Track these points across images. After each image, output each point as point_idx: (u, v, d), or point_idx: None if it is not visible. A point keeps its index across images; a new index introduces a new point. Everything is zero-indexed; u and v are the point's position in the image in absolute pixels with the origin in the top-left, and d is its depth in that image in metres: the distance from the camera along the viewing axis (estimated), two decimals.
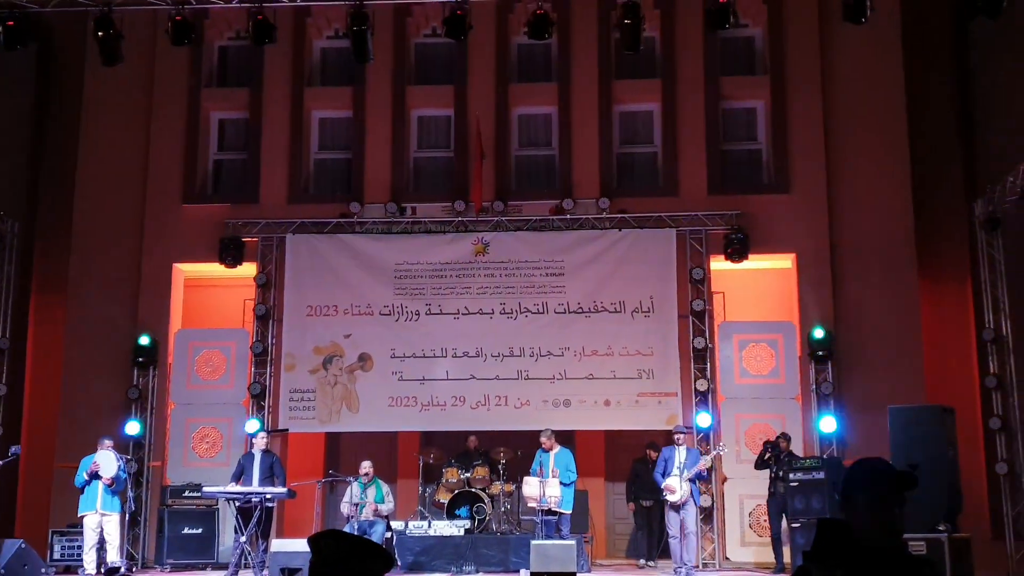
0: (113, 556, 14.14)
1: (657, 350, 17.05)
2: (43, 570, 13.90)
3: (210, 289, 18.82)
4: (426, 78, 18.84)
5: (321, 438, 18.22)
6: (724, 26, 14.53)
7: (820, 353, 16.83)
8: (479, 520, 15.71)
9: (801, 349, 17.03)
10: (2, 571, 12.85)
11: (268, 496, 14.01)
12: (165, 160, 18.20)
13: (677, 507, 13.98)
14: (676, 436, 14.44)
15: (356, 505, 14.77)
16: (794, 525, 14.46)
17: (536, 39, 15.08)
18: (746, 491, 16.58)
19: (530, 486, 14.54)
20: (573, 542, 13.57)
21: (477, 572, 14.65)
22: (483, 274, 17.48)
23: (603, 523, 17.91)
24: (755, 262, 17.49)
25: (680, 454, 14.13)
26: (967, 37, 18.43)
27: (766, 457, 15.39)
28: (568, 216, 17.55)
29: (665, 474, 14.10)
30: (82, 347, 17.66)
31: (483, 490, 16.08)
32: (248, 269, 17.76)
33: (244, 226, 17.74)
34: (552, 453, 14.72)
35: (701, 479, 14.66)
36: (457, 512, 15.83)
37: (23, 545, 13.29)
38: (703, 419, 16.65)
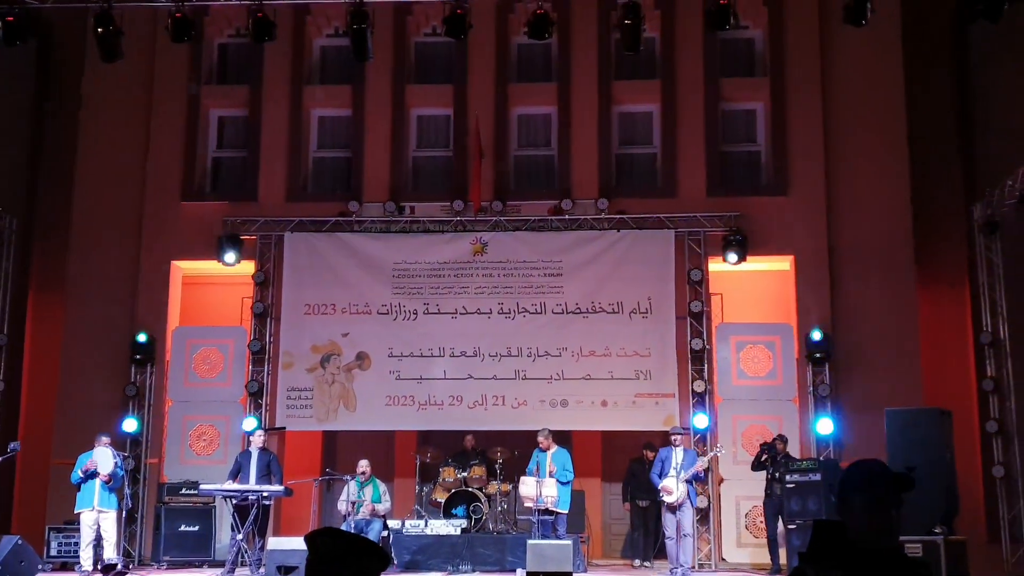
0: (110, 553, 14.14)
1: (655, 351, 17.05)
2: (40, 566, 13.88)
3: (208, 287, 18.82)
4: (426, 77, 18.83)
5: (318, 436, 18.22)
6: (724, 27, 14.52)
7: (818, 355, 16.82)
8: (476, 519, 15.72)
9: (799, 351, 17.03)
10: None
11: (265, 494, 14.04)
12: (164, 157, 18.18)
13: (674, 508, 13.97)
14: (673, 437, 14.43)
15: (353, 503, 14.77)
16: (790, 526, 14.47)
17: (536, 39, 15.06)
18: (742, 492, 16.59)
19: (527, 486, 14.54)
20: (569, 542, 13.58)
21: (473, 571, 14.65)
22: (481, 274, 17.48)
23: (599, 523, 17.92)
24: (753, 263, 17.49)
25: (677, 455, 14.12)
26: (967, 40, 18.45)
27: (763, 459, 15.39)
28: (567, 216, 17.56)
29: (662, 475, 14.09)
30: (80, 344, 17.65)
31: (480, 489, 16.08)
32: (246, 267, 17.76)
33: (243, 224, 17.74)
34: (549, 453, 14.72)
35: (698, 480, 14.65)
36: (454, 511, 15.83)
37: (20, 541, 13.25)
38: (700, 420, 16.66)
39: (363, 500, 14.79)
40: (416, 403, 17.21)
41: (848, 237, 17.34)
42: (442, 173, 18.54)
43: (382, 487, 15.20)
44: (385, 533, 14.87)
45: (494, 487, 16.05)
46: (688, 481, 13.99)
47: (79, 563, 14.34)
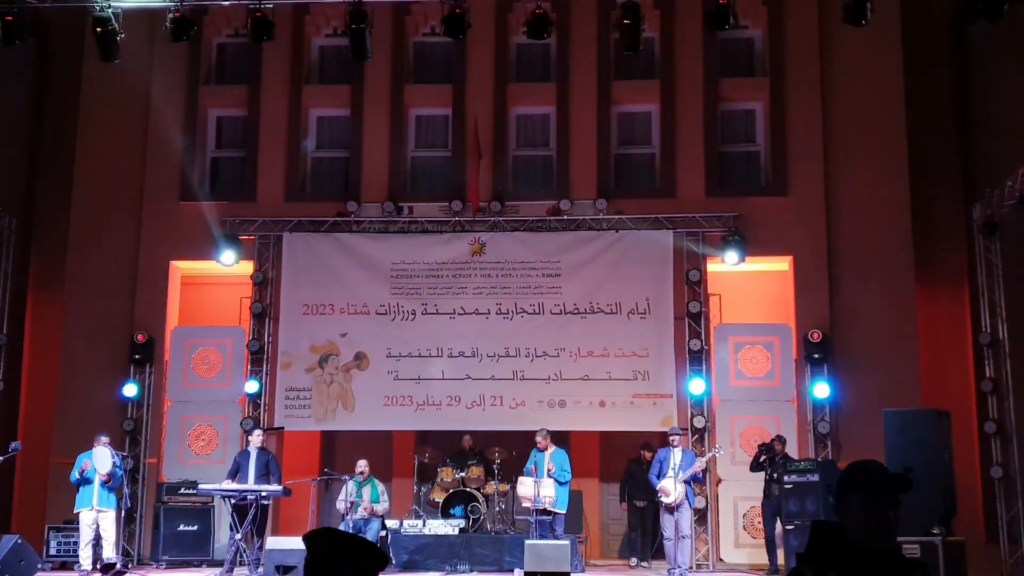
0: (109, 552, 14.14)
1: (653, 351, 17.05)
2: (39, 566, 13.89)
3: (207, 287, 18.83)
4: (424, 77, 18.82)
5: (317, 436, 18.21)
6: (724, 27, 14.50)
7: (816, 356, 16.82)
8: (474, 519, 15.73)
9: (797, 351, 17.03)
10: None
11: (264, 494, 14.05)
12: (163, 157, 18.18)
13: (672, 509, 13.96)
14: (672, 438, 14.41)
15: (351, 503, 14.77)
16: (788, 527, 14.45)
17: (535, 39, 15.03)
18: (740, 493, 16.59)
19: (525, 486, 14.53)
20: (567, 542, 13.60)
21: (471, 571, 14.66)
22: (479, 274, 17.48)
23: (597, 523, 17.93)
24: (752, 264, 17.49)
25: (676, 456, 14.11)
26: (967, 40, 18.43)
27: (761, 459, 15.38)
28: (565, 217, 17.56)
29: (660, 475, 14.07)
30: (79, 344, 17.65)
31: (478, 490, 16.09)
32: (245, 267, 17.76)
33: (241, 224, 17.74)
34: (547, 453, 14.71)
35: (696, 481, 14.65)
36: (452, 511, 15.84)
37: (19, 541, 13.26)
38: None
39: (361, 500, 14.79)
40: (414, 403, 17.22)
41: (847, 237, 17.32)
42: (440, 173, 18.53)
43: (380, 487, 15.20)
44: (383, 533, 14.87)
45: (492, 487, 16.05)
46: (686, 482, 13.98)
47: (78, 562, 14.34)
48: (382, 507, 15.01)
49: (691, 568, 14.78)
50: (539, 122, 18.73)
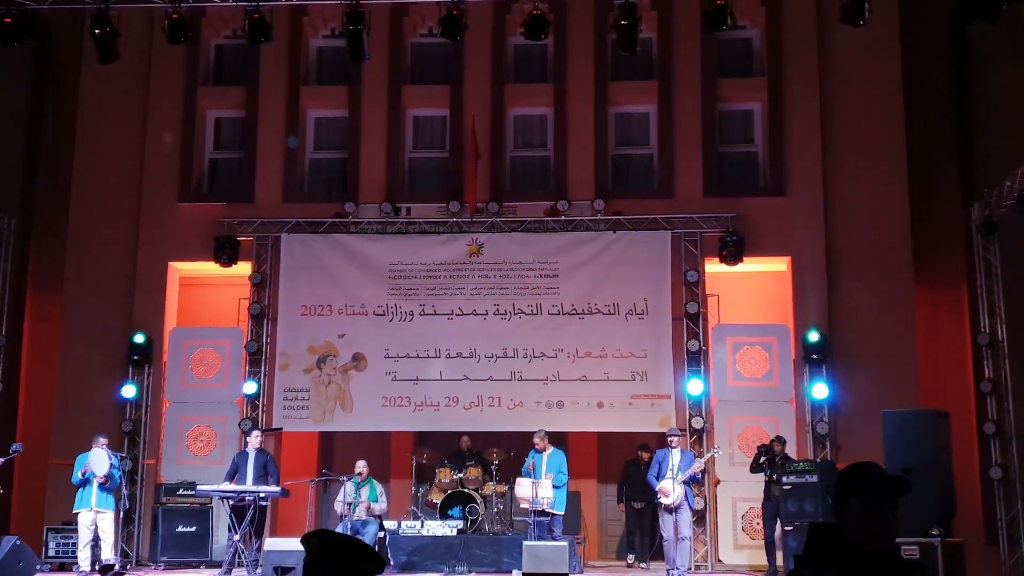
0: (108, 553, 14.14)
1: (651, 352, 17.04)
2: (38, 567, 13.89)
3: (205, 288, 18.82)
4: (422, 78, 18.81)
5: (315, 437, 18.21)
6: (721, 27, 14.50)
7: (815, 356, 16.81)
8: (472, 520, 15.72)
9: (796, 352, 17.02)
10: None
11: (262, 495, 14.04)
12: (161, 158, 18.18)
13: (671, 510, 13.94)
14: (670, 439, 14.37)
15: (350, 504, 14.76)
16: (787, 528, 14.43)
17: (532, 40, 15.00)
18: (739, 494, 16.58)
19: (523, 487, 14.51)
20: (565, 543, 13.58)
21: (469, 572, 14.64)
22: (477, 275, 17.47)
23: (595, 524, 17.92)
24: (750, 264, 17.48)
25: (674, 457, 14.08)
26: (966, 40, 18.42)
27: (761, 461, 15.36)
28: (563, 218, 17.55)
29: (659, 476, 14.03)
30: (78, 344, 17.64)
31: (476, 490, 16.09)
32: (243, 268, 17.76)
33: (239, 225, 17.73)
34: (545, 454, 14.67)
35: (695, 482, 14.63)
36: (450, 512, 15.83)
37: (18, 542, 13.26)
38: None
39: (360, 501, 14.77)
40: (412, 404, 17.21)
41: (846, 238, 17.32)
42: (438, 174, 18.52)
43: (379, 488, 15.18)
44: (381, 534, 14.85)
45: (490, 488, 16.04)
46: (686, 482, 13.95)
47: (77, 563, 14.31)
48: (380, 508, 14.99)
49: (690, 569, 14.75)
50: (537, 123, 18.73)
